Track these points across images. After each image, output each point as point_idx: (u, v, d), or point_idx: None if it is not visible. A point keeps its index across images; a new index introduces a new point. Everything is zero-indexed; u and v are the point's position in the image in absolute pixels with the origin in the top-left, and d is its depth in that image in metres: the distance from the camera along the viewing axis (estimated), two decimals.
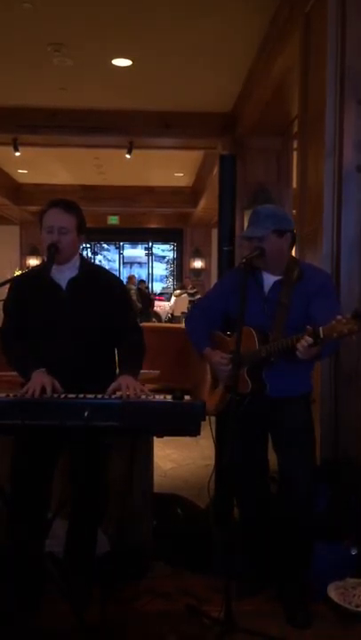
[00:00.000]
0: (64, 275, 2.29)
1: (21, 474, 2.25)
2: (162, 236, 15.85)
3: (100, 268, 2.58)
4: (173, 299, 12.37)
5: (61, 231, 2.23)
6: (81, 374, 2.19)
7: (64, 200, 2.30)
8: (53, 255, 2.20)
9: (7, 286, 2.36)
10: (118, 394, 2.08)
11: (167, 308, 12.83)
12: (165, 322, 11.95)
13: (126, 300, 2.52)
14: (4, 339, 2.34)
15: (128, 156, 7.75)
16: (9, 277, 2.54)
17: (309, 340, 1.98)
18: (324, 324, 1.94)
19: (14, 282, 2.39)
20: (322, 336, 1.95)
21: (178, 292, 12.47)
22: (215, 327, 2.52)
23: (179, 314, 11.51)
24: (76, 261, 2.32)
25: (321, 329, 1.95)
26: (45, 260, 2.24)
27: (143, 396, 2.07)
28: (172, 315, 12.19)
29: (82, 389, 2.07)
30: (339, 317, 1.90)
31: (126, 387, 2.09)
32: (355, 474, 2.72)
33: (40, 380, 2.11)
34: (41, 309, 2.27)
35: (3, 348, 2.33)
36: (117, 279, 2.54)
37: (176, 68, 5.40)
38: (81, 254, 2.39)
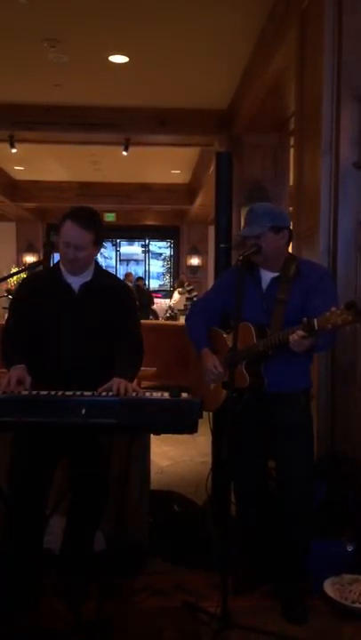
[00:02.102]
0: (77, 278, 2.31)
1: (20, 475, 2.24)
2: (158, 234, 15.81)
3: (107, 272, 2.57)
4: (177, 295, 12.34)
5: (77, 248, 2.22)
6: (84, 374, 2.19)
7: (84, 212, 2.25)
8: (49, 253, 2.21)
9: (5, 283, 2.36)
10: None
11: (165, 305, 12.82)
12: (167, 317, 11.93)
13: (132, 304, 2.55)
14: (5, 337, 2.34)
15: (124, 153, 7.74)
16: (5, 275, 2.53)
17: (301, 332, 1.99)
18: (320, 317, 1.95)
19: (24, 281, 2.42)
20: (316, 327, 1.96)
21: (180, 289, 12.47)
22: (215, 325, 2.53)
23: (182, 307, 11.56)
24: (91, 270, 2.35)
25: (315, 320, 1.96)
26: (42, 257, 2.25)
27: (140, 394, 2.07)
28: (171, 308, 12.20)
29: (84, 389, 2.07)
30: (333, 309, 1.91)
31: (117, 387, 2.09)
32: (351, 470, 2.73)
33: (9, 375, 2.13)
34: (52, 309, 2.28)
35: (2, 345, 2.33)
36: (124, 283, 2.61)
37: (172, 65, 5.39)
38: (96, 261, 2.39)
